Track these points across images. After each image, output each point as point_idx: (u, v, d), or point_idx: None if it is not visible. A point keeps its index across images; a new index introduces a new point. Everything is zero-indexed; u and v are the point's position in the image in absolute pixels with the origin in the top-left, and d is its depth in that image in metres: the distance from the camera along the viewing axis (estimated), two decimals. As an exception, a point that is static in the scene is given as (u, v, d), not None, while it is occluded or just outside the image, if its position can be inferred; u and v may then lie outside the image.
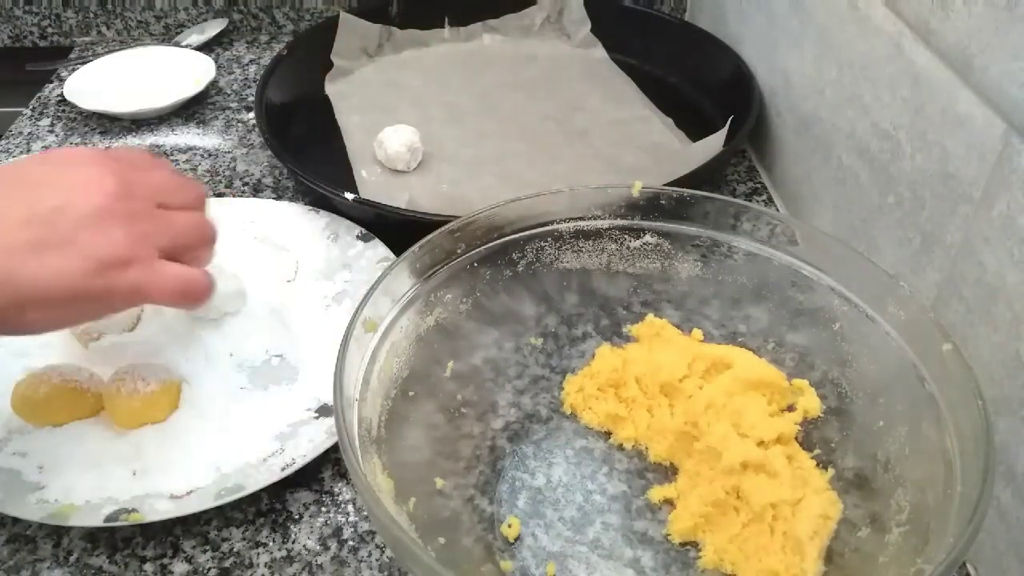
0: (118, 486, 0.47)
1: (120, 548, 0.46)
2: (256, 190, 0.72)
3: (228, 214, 0.65)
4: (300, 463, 0.47)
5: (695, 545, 0.44)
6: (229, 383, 0.53)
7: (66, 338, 0.55)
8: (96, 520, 0.44)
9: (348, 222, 0.63)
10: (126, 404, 0.49)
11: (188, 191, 0.46)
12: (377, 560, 0.46)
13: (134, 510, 0.45)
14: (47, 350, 0.54)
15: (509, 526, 0.45)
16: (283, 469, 0.47)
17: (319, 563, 0.45)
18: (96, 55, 0.88)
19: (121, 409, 0.50)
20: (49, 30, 0.95)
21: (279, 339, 0.56)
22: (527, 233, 0.49)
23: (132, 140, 0.79)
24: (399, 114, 0.78)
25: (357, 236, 0.62)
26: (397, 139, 0.70)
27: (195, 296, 0.43)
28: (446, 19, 0.90)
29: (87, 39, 0.96)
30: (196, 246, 0.45)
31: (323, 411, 0.51)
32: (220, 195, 0.72)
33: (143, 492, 0.46)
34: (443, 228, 0.46)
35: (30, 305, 0.38)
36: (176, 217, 0.44)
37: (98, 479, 0.47)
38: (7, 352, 0.53)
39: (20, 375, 0.51)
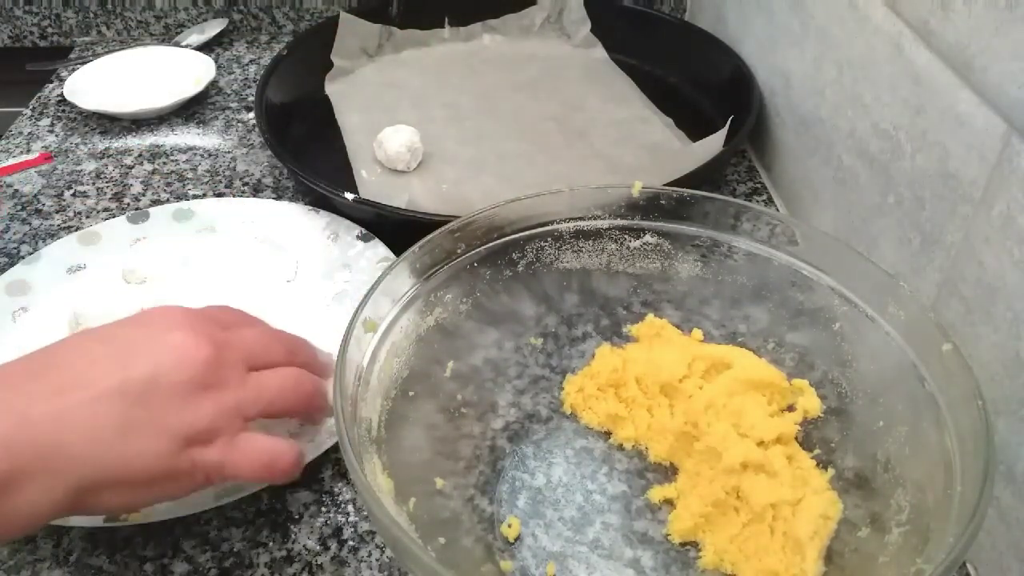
0: None
1: (120, 548, 0.46)
2: (256, 190, 0.72)
3: (228, 214, 0.65)
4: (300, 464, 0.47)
5: (695, 545, 0.44)
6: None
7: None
8: (96, 520, 0.44)
9: (348, 222, 0.63)
10: None
11: (278, 347, 0.44)
12: (377, 560, 0.46)
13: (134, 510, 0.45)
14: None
15: (509, 526, 0.45)
16: None
17: (319, 563, 0.45)
18: (96, 55, 0.88)
19: None
20: (49, 30, 0.95)
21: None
22: (527, 233, 0.49)
23: (132, 140, 0.79)
24: (399, 114, 0.78)
25: (357, 236, 0.62)
26: (397, 139, 0.70)
27: (280, 473, 0.41)
28: (446, 19, 0.90)
29: (87, 39, 0.96)
30: (291, 406, 0.43)
31: None
32: (220, 195, 0.72)
33: None
34: (443, 228, 0.46)
35: (109, 487, 0.37)
36: (268, 380, 0.42)
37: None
38: (7, 352, 0.53)
39: None
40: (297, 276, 0.61)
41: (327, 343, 0.53)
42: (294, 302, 0.59)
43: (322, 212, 0.64)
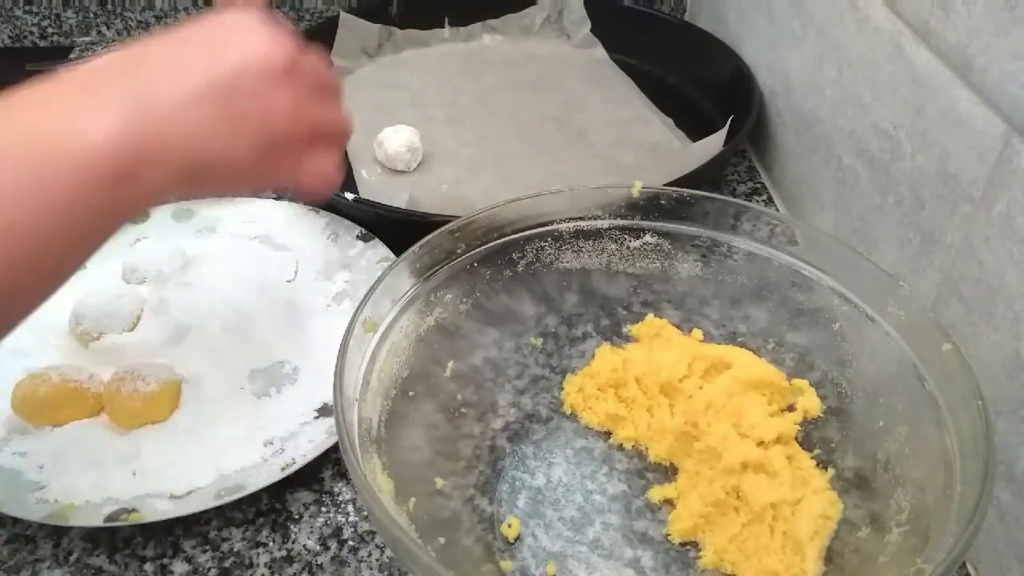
0: (118, 486, 0.47)
1: (120, 548, 0.46)
2: (256, 190, 0.72)
3: (228, 214, 0.65)
4: (300, 463, 0.47)
5: (695, 545, 0.44)
6: (229, 383, 0.53)
7: (66, 338, 0.55)
8: (96, 520, 0.44)
9: (348, 222, 0.63)
10: (126, 404, 0.49)
11: (334, 80, 0.46)
12: (377, 560, 0.46)
13: (134, 510, 0.45)
14: (47, 350, 0.54)
15: (509, 526, 0.45)
16: (283, 469, 0.47)
17: (319, 563, 0.45)
18: (96, 55, 0.88)
19: (121, 409, 0.50)
20: (49, 30, 0.95)
21: (279, 339, 0.56)
22: (527, 233, 0.49)
23: (132, 140, 0.79)
24: (399, 114, 0.78)
25: (357, 236, 0.62)
26: (397, 139, 0.70)
27: (329, 192, 0.45)
28: (446, 19, 0.90)
29: (87, 39, 0.96)
30: (340, 138, 0.45)
31: (323, 411, 0.51)
32: (220, 195, 0.71)
33: (143, 492, 0.46)
34: (443, 228, 0.46)
35: (212, 178, 0.40)
36: (328, 108, 0.44)
37: (98, 479, 0.47)
38: (7, 352, 0.53)
39: (20, 375, 0.51)
40: (297, 276, 0.61)
41: (327, 343, 0.54)
42: (294, 302, 0.59)
43: (322, 212, 0.64)
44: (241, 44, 0.40)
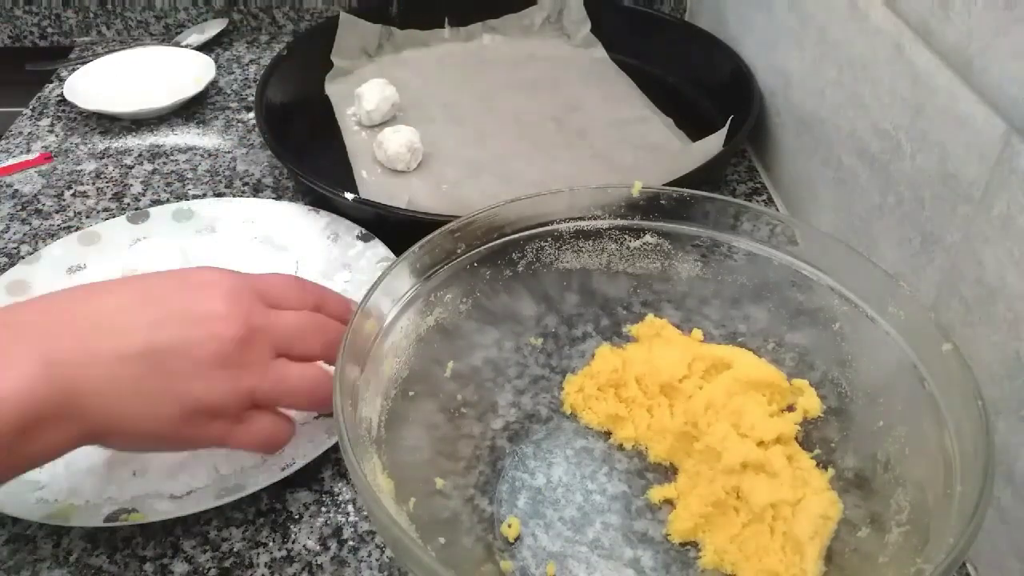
0: (118, 486, 0.47)
1: (120, 548, 0.46)
2: (256, 190, 0.72)
3: (228, 214, 0.65)
4: (300, 463, 0.47)
5: (695, 545, 0.44)
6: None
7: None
8: (96, 520, 0.44)
9: (348, 222, 0.63)
10: None
11: (316, 340, 0.44)
12: (377, 560, 0.46)
13: (134, 510, 0.45)
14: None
15: (509, 526, 0.45)
16: (283, 469, 0.47)
17: (319, 563, 0.45)
18: (96, 55, 0.88)
19: None
20: (49, 30, 0.95)
21: None
22: (527, 233, 0.49)
23: (132, 140, 0.79)
24: (399, 114, 0.78)
25: (357, 236, 0.62)
26: (397, 139, 0.70)
27: (275, 448, 0.45)
28: (446, 19, 0.90)
29: (87, 39, 0.96)
30: (301, 404, 0.44)
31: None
32: (220, 195, 0.72)
33: (143, 492, 0.46)
34: (443, 228, 0.46)
35: (116, 436, 0.39)
36: (291, 372, 0.42)
37: (98, 479, 0.47)
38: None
39: None
40: (298, 275, 0.61)
41: (327, 343, 0.53)
42: None
43: (322, 212, 0.64)
44: (190, 315, 0.39)
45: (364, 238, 0.62)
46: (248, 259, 0.62)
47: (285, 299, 0.44)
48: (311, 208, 0.65)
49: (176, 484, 0.47)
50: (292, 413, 0.46)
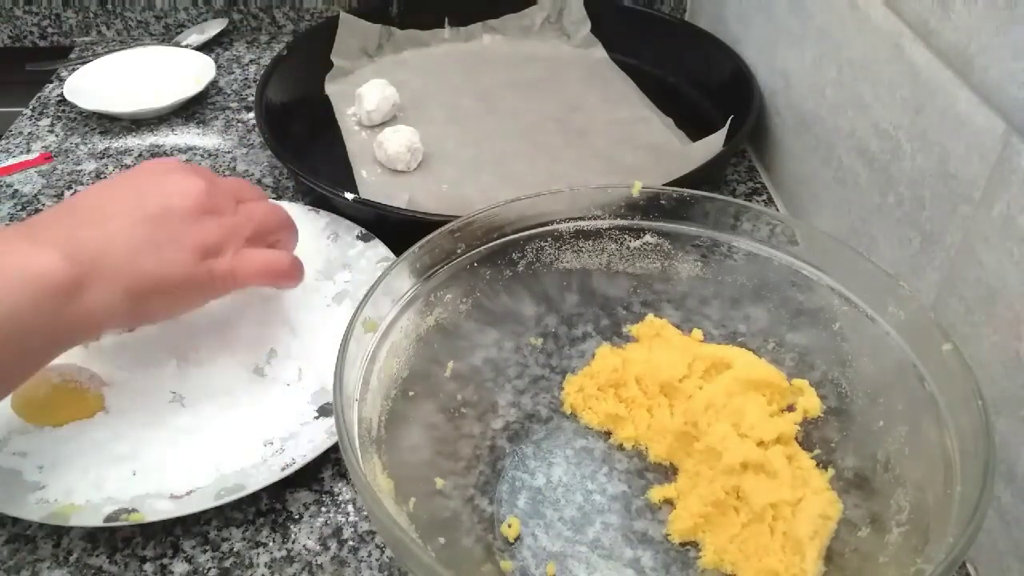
0: (118, 486, 0.47)
1: (120, 548, 0.46)
2: (256, 190, 0.72)
3: None
4: (300, 463, 0.47)
5: (695, 545, 0.44)
6: (229, 383, 0.53)
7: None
8: (96, 520, 0.44)
9: (348, 222, 0.63)
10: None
11: (254, 190, 0.53)
12: (377, 560, 0.46)
13: (134, 510, 0.45)
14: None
15: (509, 526, 0.45)
16: (283, 469, 0.47)
17: (319, 563, 0.45)
18: (96, 55, 0.88)
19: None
20: (49, 30, 0.95)
21: (279, 339, 0.56)
22: (527, 233, 0.49)
23: (132, 140, 0.79)
24: (399, 114, 0.78)
25: (357, 236, 0.62)
26: (397, 139, 0.70)
27: (282, 275, 0.51)
28: (446, 19, 0.90)
29: (87, 39, 0.96)
30: (276, 229, 0.51)
31: (323, 411, 0.51)
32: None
33: (143, 492, 0.46)
34: (443, 228, 0.46)
35: (154, 293, 0.45)
36: (254, 208, 0.50)
37: (98, 479, 0.47)
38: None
39: None
40: None
41: (327, 343, 0.54)
42: (294, 302, 0.59)
43: (322, 212, 0.64)
44: (164, 185, 0.47)
45: (364, 238, 0.62)
46: None
47: (215, 174, 0.52)
48: (311, 208, 0.65)
49: (176, 484, 0.47)
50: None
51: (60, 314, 0.41)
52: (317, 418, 0.51)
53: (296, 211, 0.65)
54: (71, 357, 0.53)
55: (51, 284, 0.40)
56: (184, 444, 0.49)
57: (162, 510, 0.45)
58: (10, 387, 0.43)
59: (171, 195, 0.46)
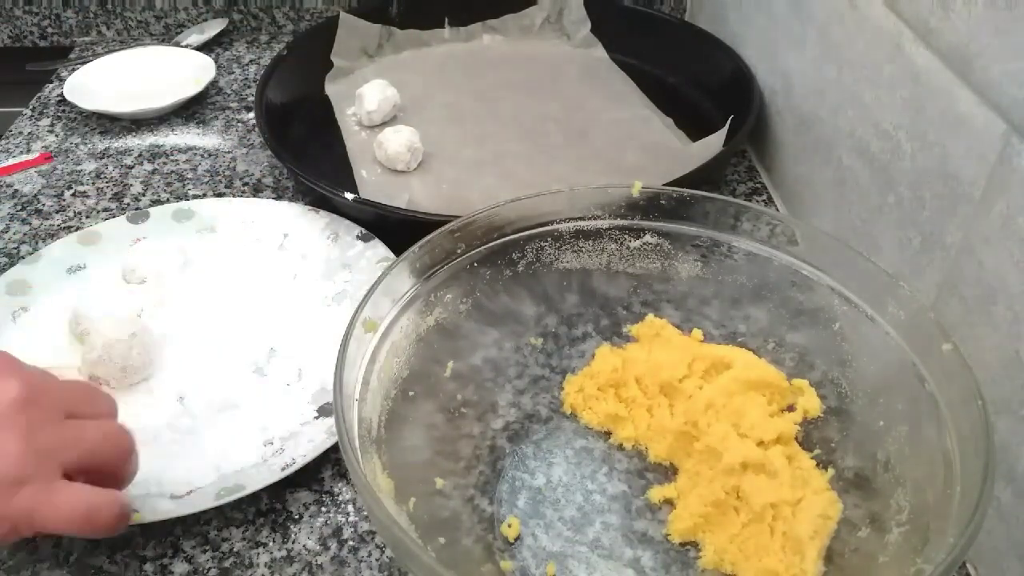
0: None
1: (120, 548, 0.46)
2: (256, 190, 0.72)
3: (228, 214, 0.65)
4: (300, 463, 0.47)
5: (695, 545, 0.44)
6: (229, 383, 0.53)
7: (67, 338, 0.55)
8: None
9: (348, 222, 0.63)
10: None
11: (101, 400, 0.42)
12: (377, 560, 0.46)
13: (134, 510, 0.45)
14: (48, 350, 0.54)
15: (509, 526, 0.45)
16: (283, 469, 0.47)
17: (319, 563, 0.45)
18: (96, 55, 0.88)
19: None
20: (49, 30, 0.95)
21: (279, 339, 0.56)
22: (527, 233, 0.49)
23: (132, 140, 0.79)
24: (399, 114, 0.78)
25: (357, 236, 0.62)
26: (397, 139, 0.70)
27: (101, 527, 0.38)
28: (446, 19, 0.90)
29: (87, 39, 0.96)
30: (110, 460, 0.40)
31: (323, 411, 0.51)
32: (220, 195, 0.72)
33: (143, 492, 0.46)
34: (443, 228, 0.46)
35: None
36: (86, 428, 0.40)
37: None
38: (7, 350, 0.53)
39: None
40: (297, 276, 0.61)
41: (327, 343, 0.54)
42: (294, 302, 0.59)
43: (322, 212, 0.64)
44: None
45: (364, 238, 0.62)
46: (248, 259, 0.62)
47: (52, 375, 0.42)
48: (311, 208, 0.65)
49: (176, 484, 0.47)
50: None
51: None
52: (317, 418, 0.51)
53: (296, 211, 0.65)
54: (71, 357, 0.53)
55: None
56: (184, 444, 0.49)
57: (162, 510, 0.45)
58: None
59: None
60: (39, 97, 0.86)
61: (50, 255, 0.61)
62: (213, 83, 0.85)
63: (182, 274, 0.60)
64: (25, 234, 0.68)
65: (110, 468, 0.40)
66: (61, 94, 0.83)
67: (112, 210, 0.70)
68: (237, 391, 0.53)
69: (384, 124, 0.76)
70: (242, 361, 0.55)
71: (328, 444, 0.48)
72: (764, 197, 0.72)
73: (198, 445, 0.49)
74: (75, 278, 0.60)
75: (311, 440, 0.49)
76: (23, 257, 0.64)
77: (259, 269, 0.61)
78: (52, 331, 0.56)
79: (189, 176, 0.74)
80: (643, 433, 0.49)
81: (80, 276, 0.61)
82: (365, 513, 0.48)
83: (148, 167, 0.75)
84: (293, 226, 0.64)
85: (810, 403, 0.47)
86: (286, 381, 0.54)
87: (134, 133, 0.80)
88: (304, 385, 0.53)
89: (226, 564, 0.45)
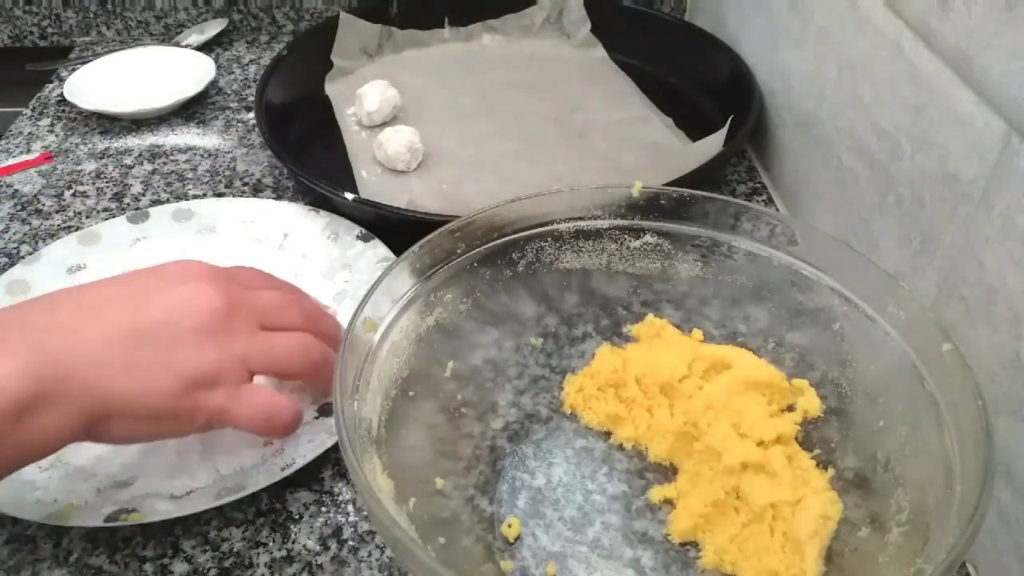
0: (118, 486, 0.47)
1: (120, 548, 0.46)
2: (256, 190, 0.72)
3: (228, 214, 0.65)
4: (300, 463, 0.47)
5: (695, 545, 0.44)
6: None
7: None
8: (96, 520, 0.44)
9: (348, 222, 0.63)
10: None
11: (295, 313, 0.45)
12: (377, 560, 0.46)
13: (134, 510, 0.45)
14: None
15: (509, 526, 0.45)
16: (283, 469, 0.47)
17: (319, 563, 0.45)
18: (96, 55, 0.88)
19: None
20: (49, 30, 0.95)
21: None
22: (527, 233, 0.49)
23: (132, 140, 0.79)
24: (399, 114, 0.78)
25: (357, 236, 0.62)
26: (397, 139, 0.70)
27: (279, 428, 0.43)
28: (446, 19, 0.90)
29: (87, 39, 0.96)
30: (297, 370, 0.44)
31: (323, 411, 0.51)
32: (220, 195, 0.72)
33: (143, 492, 0.46)
34: (443, 228, 0.46)
35: (116, 418, 0.39)
36: (278, 339, 0.43)
37: (98, 479, 0.47)
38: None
39: None
40: (297, 276, 0.61)
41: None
42: None
43: (322, 212, 0.64)
44: (171, 296, 0.41)
45: (364, 238, 0.62)
46: (248, 260, 0.62)
47: (255, 284, 0.46)
48: (311, 208, 0.65)
49: (176, 484, 0.47)
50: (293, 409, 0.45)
51: (14, 431, 0.36)
52: (317, 418, 0.51)
53: (296, 211, 0.65)
54: None
55: (8, 400, 0.35)
56: (184, 444, 0.49)
57: (162, 510, 0.45)
58: None
59: (173, 309, 0.40)
60: (39, 97, 0.86)
61: (50, 255, 0.61)
62: (213, 83, 0.85)
63: None
64: (25, 234, 0.68)
65: (297, 377, 0.45)
66: (61, 94, 0.83)
67: (112, 210, 0.70)
68: None
69: (384, 124, 0.76)
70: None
71: (328, 444, 0.48)
72: (764, 197, 0.72)
73: (198, 445, 0.49)
74: (75, 278, 0.60)
75: (311, 440, 0.49)
76: (23, 257, 0.64)
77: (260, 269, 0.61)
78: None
79: (189, 176, 0.74)
80: (643, 433, 0.49)
81: (80, 276, 0.61)
82: (365, 513, 0.48)
83: (148, 167, 0.75)
84: (293, 226, 0.64)
85: (810, 403, 0.47)
86: (287, 381, 0.53)
87: (134, 133, 0.80)
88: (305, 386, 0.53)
89: (226, 564, 0.45)
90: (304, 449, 0.48)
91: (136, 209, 0.68)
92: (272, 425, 0.43)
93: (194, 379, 0.40)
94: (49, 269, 0.60)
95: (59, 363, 0.37)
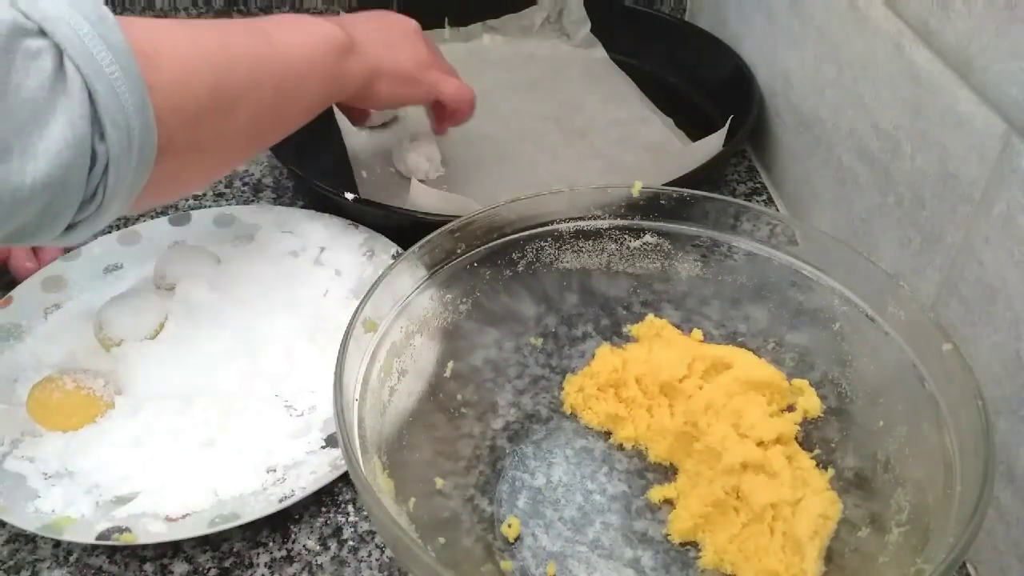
0: (116, 503, 0.46)
1: (120, 548, 0.46)
2: (256, 190, 0.72)
3: (268, 223, 0.63)
4: (299, 496, 0.46)
5: (695, 545, 0.44)
6: (242, 402, 0.51)
7: (91, 340, 0.55)
8: (88, 537, 0.43)
9: (385, 239, 0.61)
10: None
11: (454, 70, 0.67)
12: (377, 560, 0.46)
13: (127, 529, 0.44)
14: (72, 351, 0.54)
15: (509, 526, 0.45)
16: (281, 501, 0.45)
17: (319, 563, 0.46)
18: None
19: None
20: (49, 30, 0.95)
21: (299, 360, 0.54)
22: (527, 233, 0.49)
23: (132, 140, 0.79)
24: (400, 114, 0.78)
25: (393, 255, 0.60)
26: (416, 152, 0.70)
27: (467, 102, 0.65)
28: (446, 19, 0.90)
29: (87, 39, 0.95)
30: (459, 106, 0.65)
31: (331, 441, 0.49)
32: (220, 195, 0.71)
33: (140, 511, 0.45)
34: (443, 228, 0.46)
35: (386, 77, 0.59)
36: (452, 76, 0.65)
37: (98, 493, 0.46)
38: (31, 349, 0.54)
39: (47, 372, 0.51)
40: (328, 293, 0.59)
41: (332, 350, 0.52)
42: (320, 322, 0.56)
43: (361, 228, 0.62)
44: (402, 21, 0.63)
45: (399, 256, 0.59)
46: (281, 273, 0.60)
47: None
48: (350, 223, 0.63)
49: (173, 505, 0.46)
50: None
51: (336, 65, 0.53)
52: (324, 447, 0.49)
53: (336, 225, 0.63)
54: (92, 360, 0.53)
55: (336, 42, 0.53)
56: (188, 464, 0.48)
57: (155, 533, 0.44)
58: (284, 130, 0.55)
59: (408, 25, 0.62)
60: (39, 97, 0.85)
61: (90, 252, 0.60)
62: (213, 83, 0.85)
63: (211, 283, 0.58)
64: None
65: (464, 102, 0.65)
66: (61, 94, 0.82)
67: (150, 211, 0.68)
68: (249, 411, 0.51)
69: (384, 125, 0.76)
70: (259, 381, 0.53)
71: (330, 478, 0.47)
72: (764, 197, 0.72)
73: (201, 464, 0.48)
74: (111, 277, 0.60)
75: (314, 472, 0.47)
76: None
77: (291, 284, 0.59)
78: (79, 332, 0.55)
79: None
80: (643, 433, 0.49)
81: (116, 276, 0.60)
82: (365, 513, 0.48)
83: (148, 167, 0.75)
84: (331, 240, 0.62)
85: (810, 403, 0.47)
86: (299, 405, 0.52)
87: (134, 133, 0.80)
88: (317, 411, 0.51)
89: (226, 564, 0.45)
90: (305, 481, 0.47)
91: (176, 211, 0.66)
92: (468, 99, 0.65)
93: (425, 61, 0.62)
94: (87, 267, 0.60)
95: (360, 35, 0.56)
